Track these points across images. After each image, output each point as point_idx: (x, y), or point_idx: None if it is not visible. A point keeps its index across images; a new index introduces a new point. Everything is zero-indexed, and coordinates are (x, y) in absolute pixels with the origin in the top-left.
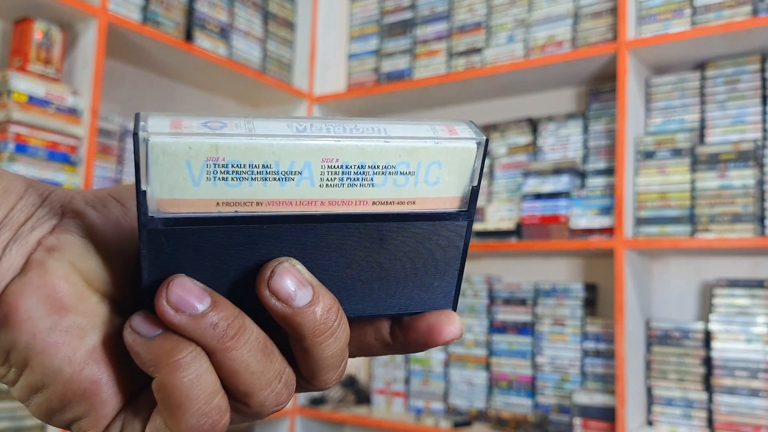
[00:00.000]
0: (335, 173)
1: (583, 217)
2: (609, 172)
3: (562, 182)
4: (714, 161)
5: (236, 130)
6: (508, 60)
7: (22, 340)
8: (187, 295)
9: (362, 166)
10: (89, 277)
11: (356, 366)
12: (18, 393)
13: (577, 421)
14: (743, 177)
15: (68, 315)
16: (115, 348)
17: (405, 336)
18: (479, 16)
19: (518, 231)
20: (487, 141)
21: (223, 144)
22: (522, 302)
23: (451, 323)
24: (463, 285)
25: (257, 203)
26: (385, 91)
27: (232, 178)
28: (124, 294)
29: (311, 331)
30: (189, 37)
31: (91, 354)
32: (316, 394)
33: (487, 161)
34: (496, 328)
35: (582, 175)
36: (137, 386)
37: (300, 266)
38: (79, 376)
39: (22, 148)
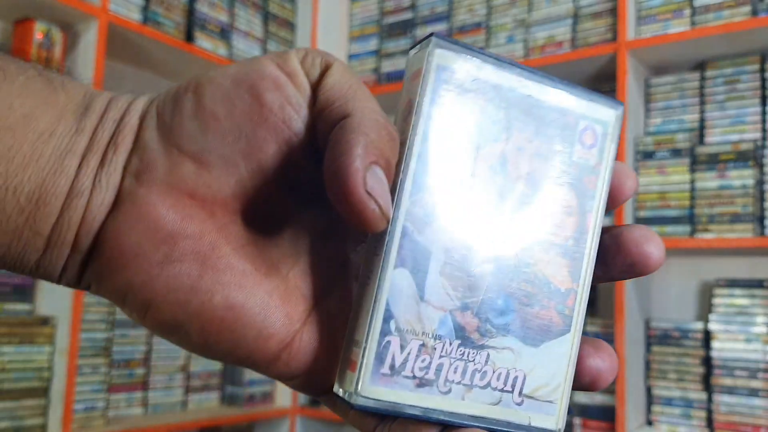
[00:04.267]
0: None
1: None
2: None
3: None
4: (713, 161)
5: None
6: None
7: (137, 281)
8: None
9: None
10: (188, 189)
11: None
12: (154, 332)
13: (577, 421)
14: (742, 177)
15: (177, 241)
16: (245, 259)
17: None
18: (479, 16)
19: None
20: None
21: None
22: None
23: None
24: None
25: None
26: (385, 92)
27: None
28: (235, 193)
29: None
30: (189, 37)
31: (217, 276)
32: None
33: None
34: None
35: None
36: (291, 295)
37: None
38: (211, 305)
39: None
